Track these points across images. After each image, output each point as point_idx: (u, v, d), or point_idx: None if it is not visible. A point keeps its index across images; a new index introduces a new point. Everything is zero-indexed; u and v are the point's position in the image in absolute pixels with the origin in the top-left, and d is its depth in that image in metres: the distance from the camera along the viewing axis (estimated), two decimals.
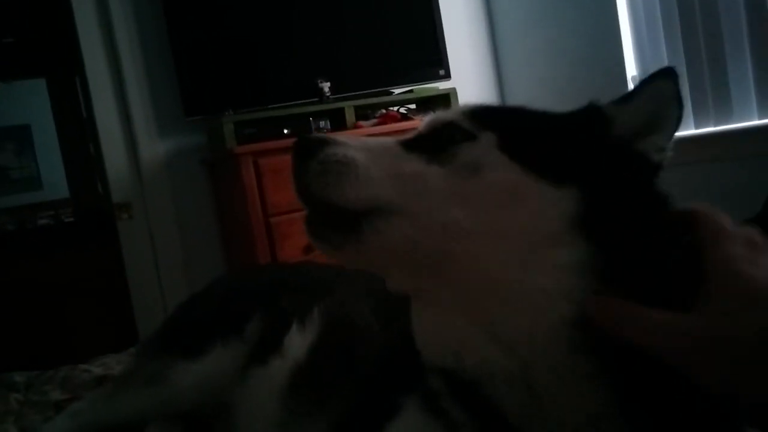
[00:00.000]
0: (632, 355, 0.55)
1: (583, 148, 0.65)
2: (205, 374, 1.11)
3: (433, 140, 0.67)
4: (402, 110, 3.15)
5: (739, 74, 2.57)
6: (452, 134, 0.66)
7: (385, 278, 0.67)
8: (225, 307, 1.20)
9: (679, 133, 0.68)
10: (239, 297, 1.22)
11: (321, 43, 3.07)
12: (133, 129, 3.00)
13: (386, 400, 0.72)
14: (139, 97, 3.00)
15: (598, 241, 0.59)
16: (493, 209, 0.61)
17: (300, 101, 2.95)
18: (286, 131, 2.81)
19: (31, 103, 5.89)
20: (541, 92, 3.35)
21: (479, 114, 0.68)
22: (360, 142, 0.67)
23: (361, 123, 2.95)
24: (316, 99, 2.96)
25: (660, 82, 0.67)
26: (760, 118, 2.54)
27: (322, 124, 2.89)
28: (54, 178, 5.99)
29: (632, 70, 2.98)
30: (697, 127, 2.67)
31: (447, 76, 3.22)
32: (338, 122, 2.93)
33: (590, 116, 0.68)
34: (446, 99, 3.07)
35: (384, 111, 3.10)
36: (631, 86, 2.95)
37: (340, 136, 0.67)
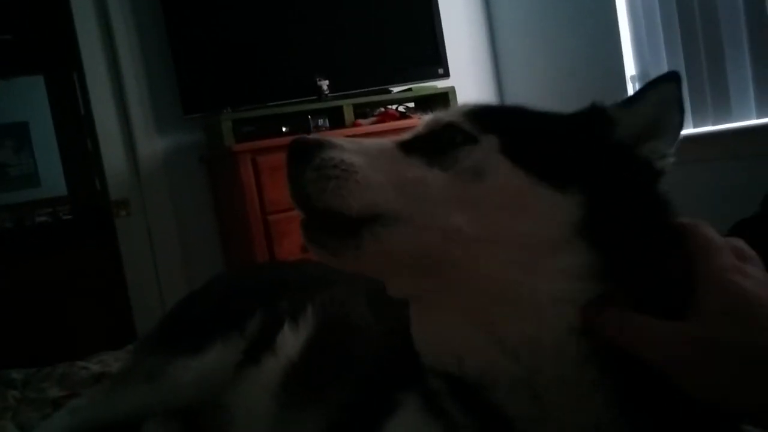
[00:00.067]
0: (633, 361, 0.55)
1: (586, 152, 0.64)
2: (204, 371, 1.10)
3: (432, 142, 0.65)
4: (401, 109, 3.15)
5: (738, 74, 2.57)
6: (452, 136, 0.64)
7: (384, 283, 0.66)
8: (225, 305, 1.20)
9: None
10: (239, 294, 1.22)
11: (319, 41, 3.07)
12: (131, 126, 3.00)
13: (384, 397, 0.72)
14: (138, 95, 3.00)
15: (601, 246, 0.58)
16: (495, 214, 0.60)
17: (298, 99, 2.95)
18: (284, 129, 2.82)
19: (29, 100, 5.88)
20: (539, 91, 3.36)
21: (480, 115, 0.66)
22: (356, 144, 0.65)
23: (360, 121, 2.95)
24: (314, 97, 2.96)
25: (664, 86, 0.67)
26: (758, 118, 2.54)
27: (320, 122, 2.89)
28: (52, 176, 5.98)
29: (631, 70, 2.98)
30: (695, 127, 2.67)
31: (446, 74, 3.22)
32: (337, 120, 2.93)
33: (593, 118, 0.67)
34: (445, 98, 3.07)
35: (383, 109, 3.11)
36: (630, 86, 2.96)
37: (336, 139, 0.66)
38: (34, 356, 2.04)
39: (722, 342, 0.52)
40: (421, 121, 0.71)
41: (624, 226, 0.60)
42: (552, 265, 0.58)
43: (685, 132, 0.67)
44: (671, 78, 0.67)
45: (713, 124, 2.66)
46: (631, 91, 2.91)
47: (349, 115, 2.94)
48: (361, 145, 0.65)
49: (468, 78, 3.50)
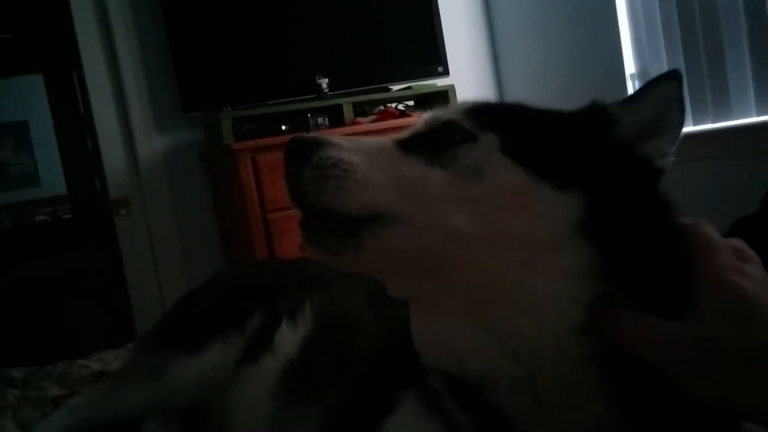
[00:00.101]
0: (634, 361, 0.55)
1: (586, 150, 0.64)
2: (204, 369, 1.10)
3: (431, 140, 0.64)
4: (400, 107, 3.15)
5: (738, 71, 2.57)
6: (452, 134, 0.63)
7: (383, 282, 0.66)
8: (225, 303, 1.20)
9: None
10: (239, 293, 1.22)
11: (319, 40, 3.07)
12: (130, 125, 3.00)
13: (384, 396, 0.72)
14: (137, 93, 3.00)
15: (601, 245, 0.58)
16: (496, 214, 0.59)
17: (298, 97, 2.95)
18: (284, 127, 2.81)
19: (29, 99, 5.88)
20: (539, 90, 3.35)
21: (479, 112, 0.65)
22: (355, 143, 0.65)
23: (360, 119, 2.95)
24: (314, 95, 2.95)
25: (665, 85, 0.67)
26: (758, 115, 2.54)
27: (320, 120, 2.89)
28: (52, 175, 5.98)
29: (631, 68, 2.97)
30: (695, 124, 2.67)
31: (445, 73, 3.22)
32: (336, 119, 2.93)
33: (594, 116, 0.67)
34: (444, 96, 3.06)
35: (382, 107, 3.10)
36: (629, 83, 2.95)
37: (334, 137, 0.65)
38: (35, 355, 2.04)
39: (722, 342, 0.52)
40: (421, 119, 0.70)
41: (624, 226, 0.60)
42: (552, 264, 0.58)
43: (684, 130, 0.67)
44: (672, 77, 0.67)
45: (713, 122, 2.65)
46: (631, 90, 2.91)
47: (348, 113, 2.94)
48: (359, 144, 0.65)
49: (468, 76, 3.49)
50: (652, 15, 2.85)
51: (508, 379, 0.59)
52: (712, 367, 0.52)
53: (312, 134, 0.66)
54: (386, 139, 0.67)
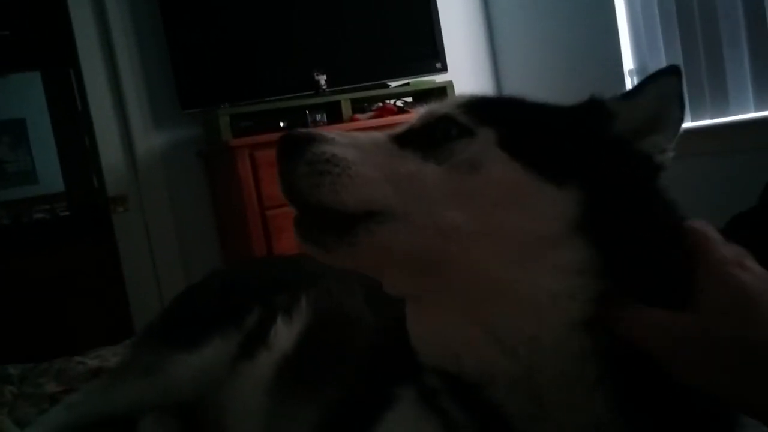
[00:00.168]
0: (634, 359, 0.55)
1: (584, 145, 0.63)
2: (202, 366, 1.10)
3: (427, 135, 0.64)
4: (399, 103, 3.14)
5: (736, 67, 2.57)
6: (448, 129, 0.63)
7: (379, 280, 0.65)
8: (223, 300, 1.19)
9: None
10: (237, 289, 1.21)
11: (317, 36, 3.06)
12: (128, 122, 2.99)
13: (380, 391, 0.72)
14: (135, 90, 2.99)
15: (600, 241, 0.58)
16: (492, 210, 0.59)
17: (296, 94, 2.94)
18: (282, 124, 2.81)
19: (26, 96, 5.86)
20: (538, 86, 3.35)
21: (476, 107, 0.65)
22: (349, 138, 0.64)
23: (358, 116, 2.95)
24: (312, 92, 2.95)
25: (665, 80, 0.66)
26: (756, 111, 2.54)
27: (318, 117, 2.89)
28: (49, 172, 5.96)
29: (629, 63, 2.97)
30: (693, 120, 2.67)
31: (444, 69, 3.22)
32: (335, 115, 2.93)
33: (592, 111, 0.66)
34: (443, 92, 3.06)
35: (381, 104, 3.10)
36: (628, 79, 2.95)
37: (328, 132, 0.64)
38: (32, 352, 2.04)
39: (721, 334, 0.52)
40: (416, 113, 0.69)
41: (623, 222, 0.59)
42: (551, 261, 0.57)
43: (683, 125, 0.67)
44: (672, 71, 0.66)
45: (711, 118, 2.65)
46: (629, 86, 2.90)
47: (347, 109, 2.93)
48: (354, 139, 0.64)
49: (466, 72, 3.49)
50: (651, 11, 2.85)
51: (507, 378, 0.59)
52: (711, 359, 0.52)
53: (306, 129, 0.66)
54: (381, 134, 0.66)
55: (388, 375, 0.73)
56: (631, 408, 0.57)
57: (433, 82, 3.16)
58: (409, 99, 3.18)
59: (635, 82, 2.95)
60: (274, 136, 2.66)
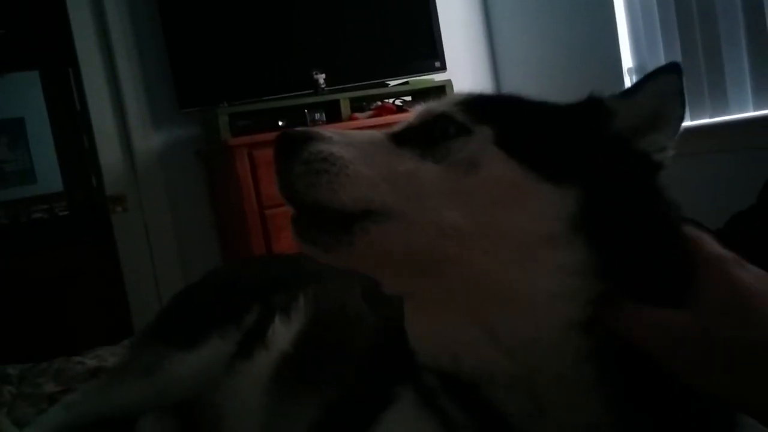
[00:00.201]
0: (634, 359, 0.55)
1: (583, 144, 0.62)
2: (201, 365, 1.10)
3: (425, 133, 0.63)
4: (398, 102, 3.14)
5: (735, 66, 2.57)
6: (445, 127, 0.62)
7: (377, 279, 0.65)
8: (221, 299, 1.19)
9: None
10: (236, 288, 1.21)
11: (316, 35, 3.06)
12: (127, 121, 2.99)
13: (379, 390, 0.71)
14: (133, 90, 2.99)
15: (598, 240, 0.57)
16: (490, 209, 0.58)
17: (295, 93, 2.94)
18: (281, 123, 2.80)
19: (25, 96, 5.85)
20: (536, 84, 3.34)
21: (473, 105, 0.64)
22: (346, 137, 0.63)
23: (357, 115, 2.94)
24: (311, 91, 2.95)
25: (664, 77, 0.65)
26: (755, 110, 2.54)
27: (317, 116, 2.89)
28: (48, 172, 5.96)
29: (628, 62, 2.97)
30: (692, 119, 2.67)
31: (443, 68, 3.22)
32: (333, 114, 2.93)
33: (591, 109, 0.65)
34: (442, 91, 3.06)
35: (379, 103, 3.09)
36: (627, 78, 2.95)
37: (326, 130, 0.64)
38: (31, 352, 2.03)
39: (721, 333, 0.52)
40: (414, 111, 0.69)
41: (622, 221, 0.59)
42: (549, 260, 0.57)
43: (682, 124, 0.66)
44: (672, 69, 0.66)
45: (710, 117, 2.65)
46: (628, 84, 2.90)
47: (345, 108, 2.93)
48: (351, 137, 0.63)
49: (465, 71, 3.49)
50: (650, 9, 2.84)
51: (506, 378, 0.59)
52: (711, 359, 0.52)
53: (303, 128, 0.65)
54: (378, 133, 0.66)
55: (387, 374, 0.72)
56: (631, 408, 0.57)
57: (432, 81, 3.16)
58: (408, 98, 3.18)
59: (634, 80, 2.94)
60: (273, 136, 2.64)
